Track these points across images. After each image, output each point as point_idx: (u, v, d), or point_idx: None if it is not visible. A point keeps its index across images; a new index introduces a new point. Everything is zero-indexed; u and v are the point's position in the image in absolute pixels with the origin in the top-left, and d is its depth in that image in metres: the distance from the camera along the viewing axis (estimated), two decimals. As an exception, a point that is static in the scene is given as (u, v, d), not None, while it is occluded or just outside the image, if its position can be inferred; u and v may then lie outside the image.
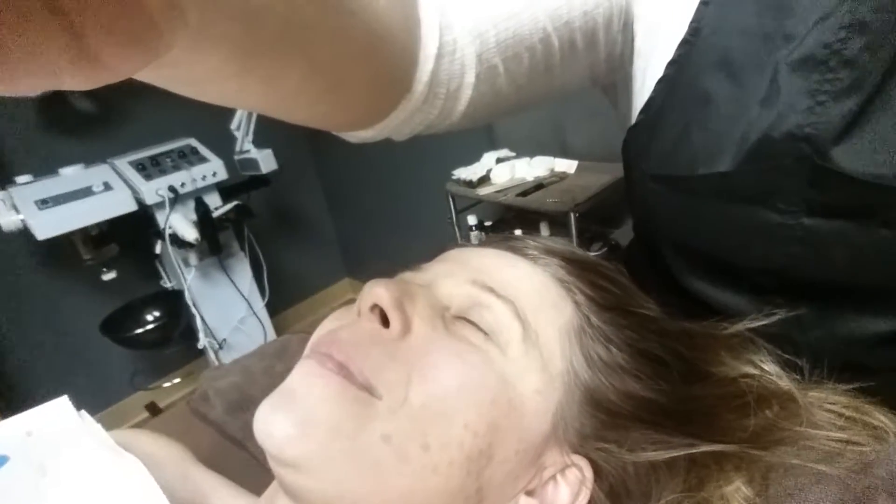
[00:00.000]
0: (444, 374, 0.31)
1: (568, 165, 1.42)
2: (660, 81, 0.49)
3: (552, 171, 1.43)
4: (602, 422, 0.34)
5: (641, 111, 0.49)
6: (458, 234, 1.60)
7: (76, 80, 0.14)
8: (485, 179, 1.48)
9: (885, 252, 0.41)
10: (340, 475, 0.29)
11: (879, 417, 0.38)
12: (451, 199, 1.55)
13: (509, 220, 1.53)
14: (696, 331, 0.42)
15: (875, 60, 0.39)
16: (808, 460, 0.36)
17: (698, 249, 0.48)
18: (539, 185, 1.36)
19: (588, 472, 0.34)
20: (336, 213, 2.55)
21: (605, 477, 0.34)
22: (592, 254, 1.28)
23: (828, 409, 0.38)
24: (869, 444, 0.36)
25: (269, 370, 0.62)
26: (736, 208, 0.45)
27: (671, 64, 0.49)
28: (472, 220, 1.58)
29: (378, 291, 0.32)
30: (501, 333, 0.33)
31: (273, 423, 0.29)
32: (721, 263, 0.47)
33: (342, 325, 0.34)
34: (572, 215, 1.22)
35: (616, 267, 0.43)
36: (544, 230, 1.39)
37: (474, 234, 1.57)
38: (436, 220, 1.94)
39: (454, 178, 1.51)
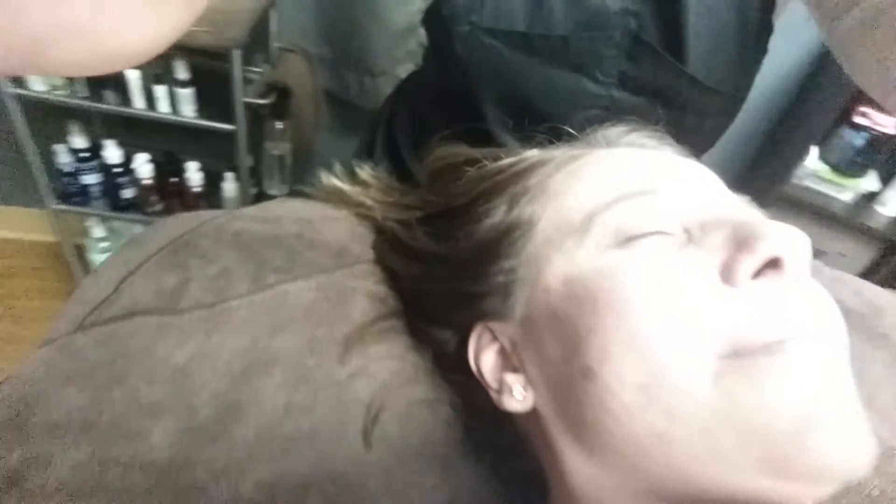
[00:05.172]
0: None
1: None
2: None
3: None
4: None
5: None
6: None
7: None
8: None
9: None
10: None
11: None
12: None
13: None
14: None
15: None
16: None
17: (516, 102, 0.52)
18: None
19: None
20: None
21: None
22: (264, 102, 1.07)
23: None
24: None
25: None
26: (563, 72, 0.50)
27: None
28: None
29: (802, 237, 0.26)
30: None
31: (859, 452, 0.24)
32: (525, 113, 0.51)
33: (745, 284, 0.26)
34: (236, 53, 0.95)
35: None
36: (183, 72, 1.04)
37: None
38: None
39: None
